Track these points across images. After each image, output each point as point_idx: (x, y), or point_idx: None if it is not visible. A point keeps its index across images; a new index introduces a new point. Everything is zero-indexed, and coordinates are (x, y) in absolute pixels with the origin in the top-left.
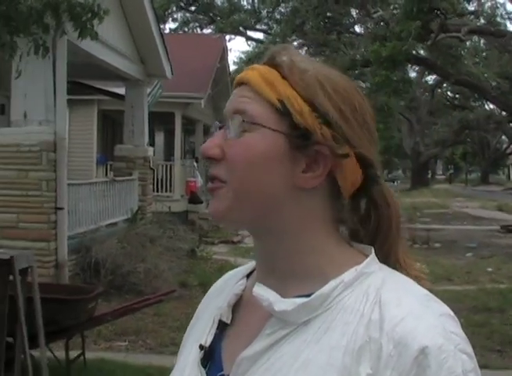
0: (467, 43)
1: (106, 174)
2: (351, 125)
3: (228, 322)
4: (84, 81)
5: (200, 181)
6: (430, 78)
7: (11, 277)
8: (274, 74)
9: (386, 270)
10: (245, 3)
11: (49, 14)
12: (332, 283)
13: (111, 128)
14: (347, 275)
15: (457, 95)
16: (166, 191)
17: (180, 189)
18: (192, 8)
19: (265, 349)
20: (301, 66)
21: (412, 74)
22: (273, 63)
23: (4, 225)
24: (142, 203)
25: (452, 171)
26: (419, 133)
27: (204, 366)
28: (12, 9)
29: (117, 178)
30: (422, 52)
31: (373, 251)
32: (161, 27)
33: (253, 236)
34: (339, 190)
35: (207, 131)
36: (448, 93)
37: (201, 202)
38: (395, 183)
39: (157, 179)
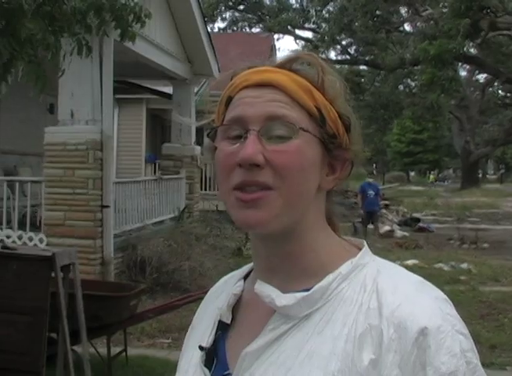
0: None
1: (155, 172)
2: (355, 131)
3: (228, 322)
4: (132, 80)
5: None
6: (481, 77)
7: (53, 274)
8: (307, 82)
9: (379, 261)
10: (293, 2)
11: (92, 15)
12: (330, 277)
13: (160, 126)
14: (344, 267)
15: (508, 94)
16: (214, 190)
17: None
18: (241, 7)
19: (269, 344)
20: (330, 77)
21: (463, 73)
22: (296, 69)
23: (51, 222)
24: (189, 201)
25: (503, 170)
26: (469, 132)
27: (209, 367)
28: (56, 10)
29: (164, 177)
30: (472, 50)
31: (365, 243)
32: (210, 26)
33: (269, 239)
34: (331, 189)
35: None
36: (500, 92)
37: None
38: (446, 183)
39: (206, 178)
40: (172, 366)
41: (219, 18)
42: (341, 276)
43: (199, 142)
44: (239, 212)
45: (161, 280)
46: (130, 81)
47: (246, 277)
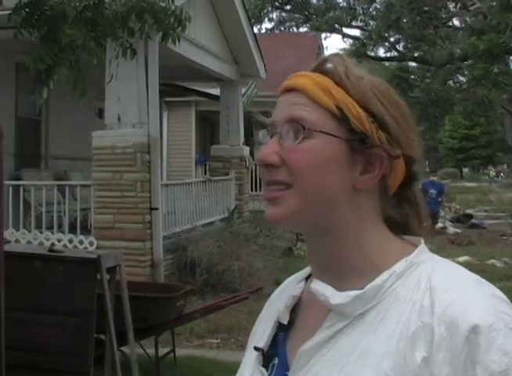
0: None
1: (205, 174)
2: (401, 128)
3: (286, 323)
4: (180, 83)
5: None
6: None
7: (99, 276)
8: (329, 81)
9: (436, 258)
10: (340, 0)
11: (134, 19)
12: (384, 275)
13: (209, 128)
14: (399, 266)
15: None
16: None
17: None
18: (288, 7)
19: (324, 342)
20: (356, 74)
21: None
22: (324, 70)
23: (101, 225)
24: (238, 202)
25: None
26: None
27: (269, 367)
28: (98, 15)
29: (213, 178)
30: None
31: (422, 241)
32: (258, 27)
33: (308, 236)
34: (386, 189)
35: None
36: None
37: None
38: (499, 178)
39: (256, 178)
40: (220, 366)
41: (266, 19)
42: (396, 274)
43: (247, 142)
44: (266, 209)
45: (211, 281)
46: (177, 83)
47: (307, 278)
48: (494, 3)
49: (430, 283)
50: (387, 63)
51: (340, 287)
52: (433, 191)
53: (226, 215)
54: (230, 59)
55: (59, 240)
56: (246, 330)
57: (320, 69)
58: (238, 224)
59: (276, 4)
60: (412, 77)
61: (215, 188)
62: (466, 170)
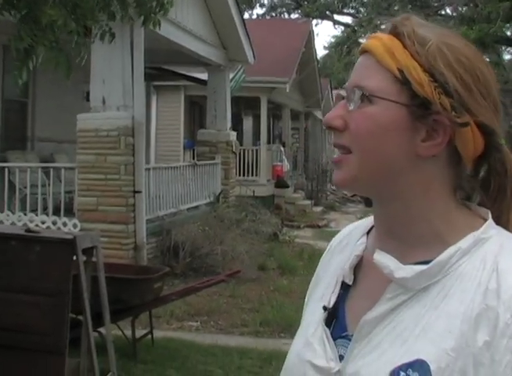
0: None
1: (193, 158)
2: (472, 94)
3: (351, 283)
4: (169, 67)
5: (286, 165)
6: None
7: (75, 257)
8: (395, 44)
9: (504, 235)
10: None
11: (115, 3)
12: (450, 250)
13: (198, 113)
14: (465, 241)
15: None
16: (252, 175)
17: (266, 174)
18: None
19: (386, 313)
20: (421, 35)
21: (507, 57)
22: (396, 33)
23: (84, 208)
24: (224, 187)
25: None
26: None
27: (328, 326)
28: None
29: (199, 163)
30: None
31: (490, 215)
32: (249, 12)
33: (376, 201)
34: (459, 157)
35: (294, 117)
36: None
37: (287, 186)
38: None
39: (243, 163)
40: (198, 349)
41: (257, 4)
42: (462, 250)
43: (235, 127)
44: (334, 172)
45: (194, 265)
46: (165, 68)
47: (369, 232)
48: None
49: (498, 265)
50: None
51: (404, 256)
52: None
53: (212, 199)
54: (218, 44)
55: (43, 222)
56: (227, 314)
57: (393, 31)
58: (223, 209)
59: None
60: None
61: (201, 172)
62: None
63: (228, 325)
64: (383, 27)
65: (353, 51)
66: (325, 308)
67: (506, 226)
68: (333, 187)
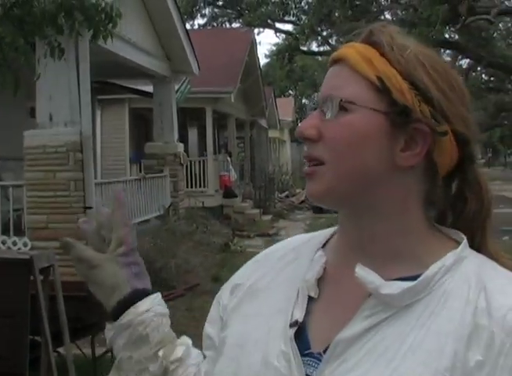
0: (500, 25)
1: (140, 172)
2: (449, 102)
3: (316, 297)
4: (112, 80)
5: (233, 175)
6: (464, 62)
7: (32, 277)
8: (372, 52)
9: (477, 255)
10: None
11: (63, 16)
12: (434, 267)
13: (143, 126)
14: (447, 259)
15: (492, 78)
16: (200, 186)
17: (214, 184)
18: (220, 2)
19: (364, 331)
20: (400, 44)
21: (447, 58)
22: (370, 41)
23: (34, 226)
24: (174, 199)
25: (490, 154)
26: None
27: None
28: (26, 13)
29: (148, 176)
30: (455, 36)
31: (462, 234)
32: (190, 23)
33: (348, 215)
34: (433, 170)
35: (239, 126)
36: (483, 76)
37: (236, 196)
38: None
39: (191, 175)
40: None
41: (198, 14)
42: (445, 267)
43: (181, 139)
44: (306, 184)
45: None
46: (110, 81)
47: (323, 247)
48: None
49: (485, 285)
50: (320, 58)
51: (376, 271)
52: None
53: (162, 212)
54: (162, 56)
55: None
56: (184, 327)
57: (367, 40)
58: (174, 221)
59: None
60: None
61: (150, 185)
62: None
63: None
64: (324, 33)
65: (294, 58)
66: (296, 322)
67: (478, 249)
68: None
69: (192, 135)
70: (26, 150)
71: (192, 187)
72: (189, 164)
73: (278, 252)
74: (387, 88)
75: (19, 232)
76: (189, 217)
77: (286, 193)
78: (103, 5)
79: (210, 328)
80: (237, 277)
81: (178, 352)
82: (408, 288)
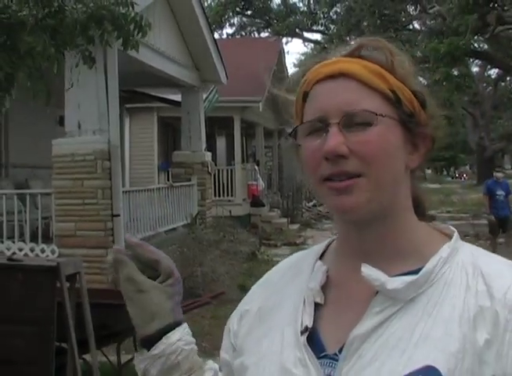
0: None
1: (168, 180)
2: (434, 108)
3: (322, 303)
4: (141, 89)
5: (261, 184)
6: (493, 72)
7: (58, 284)
8: (377, 66)
9: (468, 245)
10: (301, 5)
11: (93, 26)
12: (433, 260)
13: (171, 134)
14: (443, 251)
15: None
16: (227, 195)
17: (241, 193)
18: (249, 12)
19: (377, 326)
20: (399, 58)
21: (475, 69)
22: (364, 56)
23: (62, 233)
24: (201, 208)
25: None
26: (483, 128)
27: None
28: (58, 23)
29: (175, 184)
30: (484, 45)
31: (451, 227)
32: (219, 32)
33: (364, 223)
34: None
35: (267, 135)
36: None
37: (263, 205)
38: (463, 179)
39: (218, 184)
40: None
41: (227, 24)
42: (443, 259)
43: (210, 148)
44: (334, 199)
45: None
46: (138, 90)
47: (321, 258)
48: (452, 5)
49: (481, 270)
50: None
51: (383, 271)
52: (501, 192)
53: (189, 220)
54: (191, 65)
55: (21, 249)
56: (210, 336)
57: (359, 54)
58: (201, 230)
59: (237, 9)
60: None
61: (178, 194)
62: (429, 172)
63: (212, 347)
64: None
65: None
66: (306, 328)
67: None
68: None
69: (221, 144)
70: (54, 158)
71: (219, 196)
72: (216, 172)
73: (278, 273)
74: (399, 99)
75: (47, 239)
76: (216, 226)
77: (314, 202)
78: (133, 14)
79: (224, 354)
80: (244, 304)
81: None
82: (411, 282)
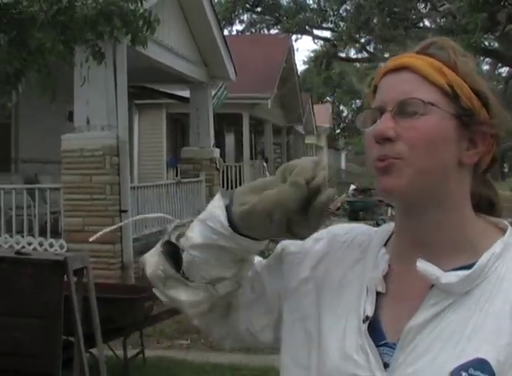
0: None
1: (177, 176)
2: (499, 109)
3: (384, 292)
4: (150, 85)
5: None
6: (504, 70)
7: (66, 278)
8: (438, 62)
9: None
10: (310, 2)
11: (103, 22)
12: (487, 255)
13: (180, 130)
14: (497, 246)
15: None
16: None
17: None
18: (258, 9)
19: (431, 318)
20: (462, 58)
21: (485, 67)
22: (430, 53)
23: (70, 228)
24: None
25: None
26: None
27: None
28: (68, 19)
29: (184, 180)
30: (495, 44)
31: (506, 222)
32: (228, 29)
33: (416, 209)
34: (478, 167)
35: (276, 132)
36: None
37: None
38: None
39: (227, 180)
40: (189, 367)
41: (237, 20)
42: (496, 254)
43: (218, 144)
44: (378, 180)
45: None
46: (147, 86)
47: (385, 245)
48: (462, 3)
49: None
50: (358, 64)
51: (436, 263)
52: None
53: (197, 216)
54: (200, 62)
55: (30, 244)
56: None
57: (426, 51)
58: None
59: (247, 6)
60: None
61: (186, 190)
62: None
63: (208, 345)
64: (362, 40)
65: (332, 65)
66: (367, 317)
67: None
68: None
69: (229, 140)
70: (63, 153)
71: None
72: (225, 169)
73: (346, 244)
74: (457, 94)
75: (55, 234)
76: None
77: None
78: (142, 11)
79: (270, 278)
80: (320, 279)
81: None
82: (464, 277)
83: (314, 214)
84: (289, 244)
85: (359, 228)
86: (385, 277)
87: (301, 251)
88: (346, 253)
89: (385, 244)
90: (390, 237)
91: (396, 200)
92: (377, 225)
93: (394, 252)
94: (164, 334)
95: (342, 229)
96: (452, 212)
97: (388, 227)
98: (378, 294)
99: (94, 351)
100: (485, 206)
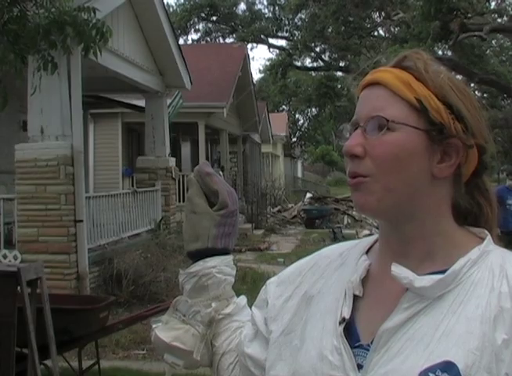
0: (493, 42)
1: (133, 186)
2: (474, 120)
3: (361, 295)
4: (105, 94)
5: None
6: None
7: (19, 289)
8: (408, 76)
9: (502, 249)
10: (266, 11)
11: (55, 31)
12: (461, 261)
13: (136, 140)
14: (473, 253)
15: (485, 95)
16: None
17: None
18: (214, 18)
19: (404, 321)
20: (434, 69)
21: None
22: (404, 66)
23: (25, 239)
24: (165, 213)
25: None
26: None
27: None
28: (20, 28)
29: (139, 190)
30: (448, 52)
31: (486, 231)
32: (184, 38)
33: (391, 223)
34: (459, 178)
35: (232, 141)
36: (476, 93)
37: None
38: None
39: (183, 189)
40: None
41: (192, 30)
42: (471, 261)
43: (174, 153)
44: (352, 195)
45: (138, 293)
46: (102, 95)
47: (367, 252)
48: (416, 12)
49: (506, 272)
50: (313, 73)
51: (411, 269)
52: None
53: (153, 226)
54: (155, 71)
55: None
56: None
57: (400, 65)
58: (165, 235)
59: (202, 15)
60: (339, 86)
61: (141, 199)
62: None
63: None
64: (317, 49)
65: (287, 74)
66: (343, 319)
67: None
68: (354, 210)
69: (185, 149)
70: (17, 163)
71: (183, 201)
72: (180, 178)
73: (327, 259)
74: (425, 108)
75: (9, 245)
76: (180, 231)
77: (279, 207)
78: (95, 21)
79: (257, 312)
80: (291, 277)
81: (229, 308)
82: (438, 280)
83: (208, 187)
84: (271, 279)
85: (347, 242)
86: (364, 282)
87: (282, 276)
88: (329, 264)
89: (368, 252)
90: (373, 245)
91: (368, 215)
92: (334, 233)
93: (377, 258)
94: (119, 345)
95: (325, 251)
96: (426, 225)
97: (374, 237)
98: (356, 297)
99: (48, 362)
100: (471, 216)
